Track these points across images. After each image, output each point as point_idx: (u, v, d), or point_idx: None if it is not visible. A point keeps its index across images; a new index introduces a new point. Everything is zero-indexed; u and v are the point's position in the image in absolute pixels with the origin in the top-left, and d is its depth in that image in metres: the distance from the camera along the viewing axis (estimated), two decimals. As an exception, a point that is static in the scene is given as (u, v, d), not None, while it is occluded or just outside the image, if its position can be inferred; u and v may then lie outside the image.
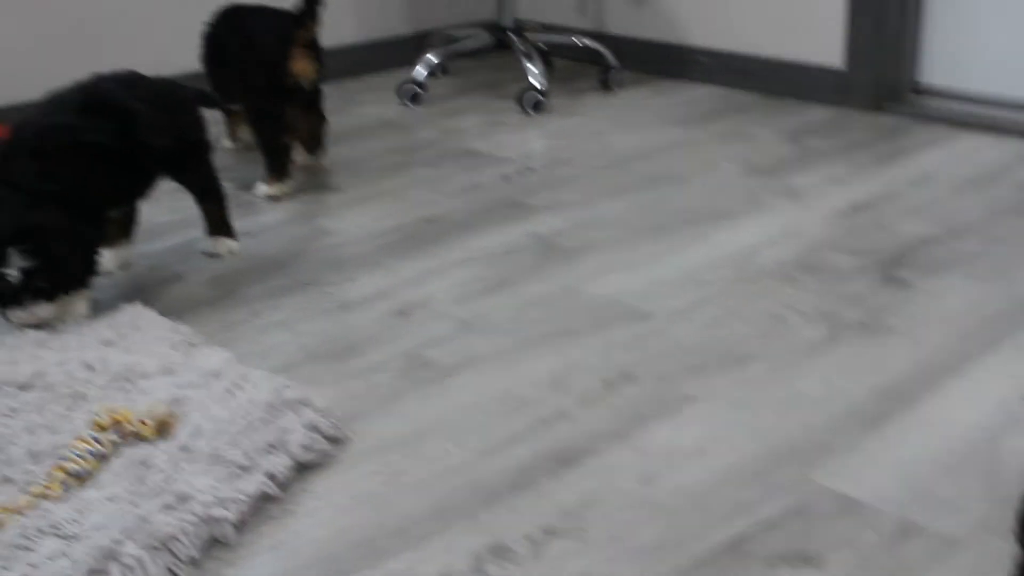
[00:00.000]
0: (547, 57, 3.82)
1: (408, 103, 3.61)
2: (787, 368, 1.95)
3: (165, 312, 2.16)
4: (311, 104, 2.93)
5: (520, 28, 3.78)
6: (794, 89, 3.58)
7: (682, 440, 1.75)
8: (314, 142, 3.01)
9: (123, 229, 2.41)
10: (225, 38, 2.87)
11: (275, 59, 2.75)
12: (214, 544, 1.54)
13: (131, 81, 2.30)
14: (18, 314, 2.07)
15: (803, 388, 1.88)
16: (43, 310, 2.08)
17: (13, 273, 2.02)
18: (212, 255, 2.48)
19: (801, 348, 2.02)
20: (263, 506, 1.61)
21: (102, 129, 2.16)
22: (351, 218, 2.69)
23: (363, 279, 2.35)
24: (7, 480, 1.64)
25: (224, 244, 2.49)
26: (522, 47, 3.66)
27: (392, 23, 4.01)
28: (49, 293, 2.08)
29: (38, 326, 2.08)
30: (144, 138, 2.22)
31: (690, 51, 3.83)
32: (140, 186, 2.31)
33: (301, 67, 2.78)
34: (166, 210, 2.72)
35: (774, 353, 2.00)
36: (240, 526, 1.57)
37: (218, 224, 2.49)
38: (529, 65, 3.58)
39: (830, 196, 2.74)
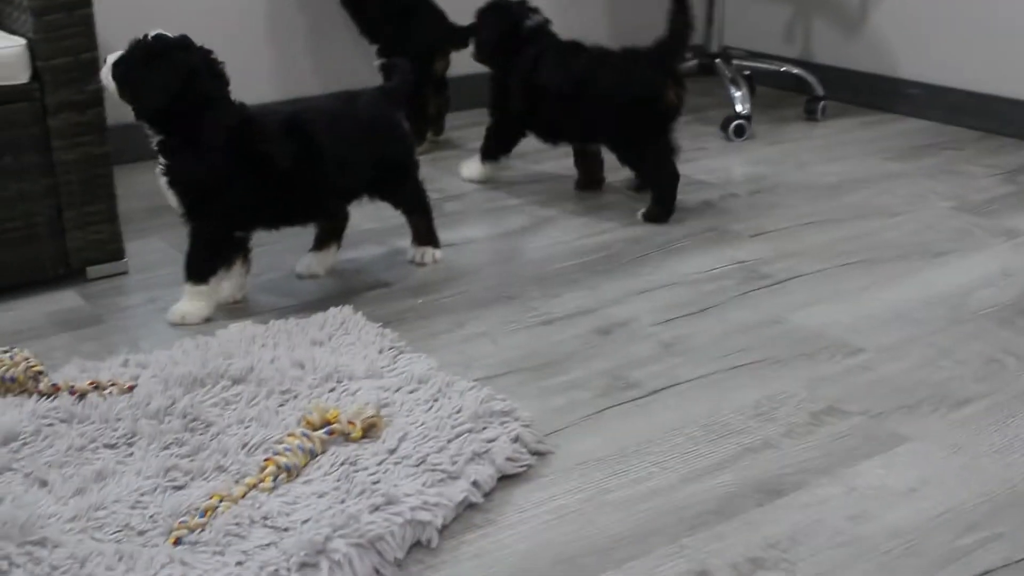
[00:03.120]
0: (752, 84, 3.77)
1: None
2: (1006, 413, 1.87)
3: (371, 317, 2.20)
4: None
5: (726, 54, 3.74)
6: (1011, 127, 3.45)
7: (894, 481, 1.68)
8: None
9: (332, 234, 2.47)
10: None
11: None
12: (418, 547, 1.55)
13: (337, 112, 2.34)
14: None
15: (1023, 434, 1.80)
16: None
17: None
18: (418, 264, 2.52)
19: (1020, 394, 1.93)
20: (466, 514, 1.62)
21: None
22: (553, 234, 2.69)
23: (565, 296, 2.35)
24: (221, 468, 1.69)
25: (429, 253, 2.53)
26: (727, 73, 3.62)
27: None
28: None
29: None
30: (327, 172, 2.28)
31: (900, 83, 3.73)
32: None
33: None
34: (372, 218, 2.77)
35: (991, 397, 1.92)
36: (444, 532, 1.57)
37: (424, 235, 2.53)
38: (734, 91, 3.54)
39: (1050, 238, 2.63)
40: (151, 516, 1.58)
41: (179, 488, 1.65)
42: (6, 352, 1.95)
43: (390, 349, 2.05)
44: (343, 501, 1.59)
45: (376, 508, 1.56)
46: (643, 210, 2.79)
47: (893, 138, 3.49)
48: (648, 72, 2.73)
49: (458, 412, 1.79)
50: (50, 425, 1.82)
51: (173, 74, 2.16)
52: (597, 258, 2.55)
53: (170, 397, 1.86)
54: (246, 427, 1.80)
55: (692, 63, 3.75)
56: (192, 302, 2.26)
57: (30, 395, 1.91)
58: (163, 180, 2.23)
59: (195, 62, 2.18)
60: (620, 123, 2.75)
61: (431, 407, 1.83)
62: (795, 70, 3.80)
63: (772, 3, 4.12)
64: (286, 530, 1.54)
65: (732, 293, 2.35)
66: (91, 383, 1.92)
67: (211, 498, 1.60)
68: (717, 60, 3.70)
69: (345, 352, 2.03)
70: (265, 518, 1.56)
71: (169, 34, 2.19)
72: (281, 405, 1.86)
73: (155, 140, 2.22)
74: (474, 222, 2.79)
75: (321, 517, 1.55)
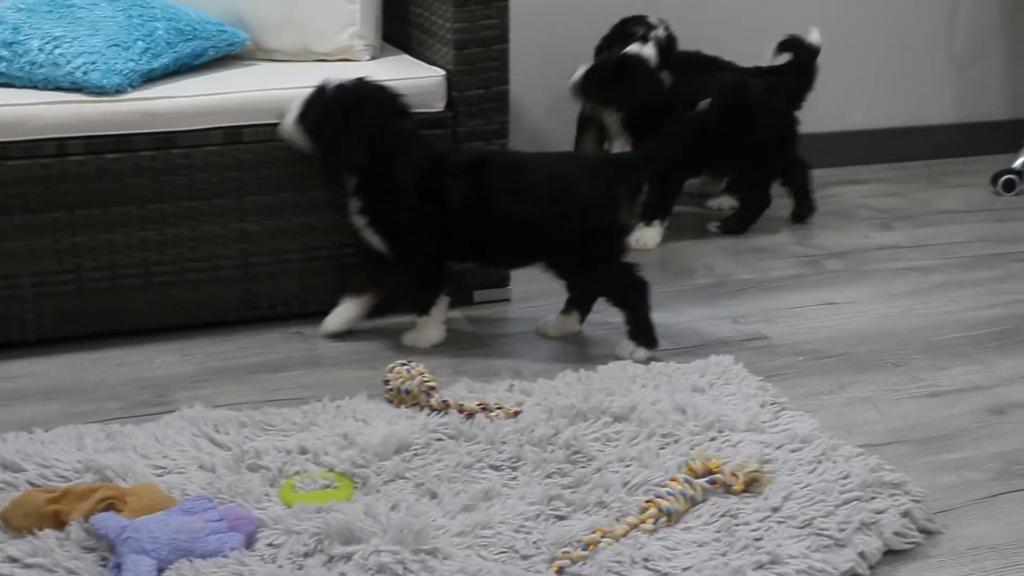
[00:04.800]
0: None
1: (1002, 191, 3.43)
2: None
3: (749, 369, 2.16)
4: None
5: None
6: None
7: None
8: None
9: (577, 304, 2.38)
10: None
11: None
12: (798, 613, 1.51)
13: (529, 165, 2.31)
14: None
15: None
16: None
17: None
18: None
19: None
20: (850, 585, 1.57)
21: None
22: (940, 303, 2.58)
23: (955, 368, 2.24)
24: (602, 504, 1.72)
25: (634, 351, 2.26)
26: None
27: (992, 106, 3.83)
28: None
29: None
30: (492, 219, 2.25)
31: None
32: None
33: None
34: (751, 269, 2.75)
35: None
36: (827, 600, 1.53)
37: (633, 329, 2.28)
38: None
39: None
40: (535, 542, 1.62)
41: (561, 518, 1.69)
42: (404, 365, 2.06)
43: (772, 404, 2.02)
44: (724, 554, 1.58)
45: (760, 566, 1.54)
46: (719, 223, 3.04)
47: None
48: (784, 110, 3.00)
49: (846, 478, 1.74)
50: (439, 440, 1.90)
51: (369, 130, 2.21)
52: (990, 332, 2.42)
53: (553, 427, 1.90)
54: (627, 466, 1.81)
55: None
56: (420, 331, 2.34)
57: (421, 408, 2.00)
58: (361, 221, 2.29)
59: (384, 111, 2.24)
60: (751, 153, 2.97)
61: (815, 469, 1.79)
62: None
63: None
64: (666, 575, 1.54)
65: None
66: (479, 404, 2.00)
67: (594, 532, 1.62)
68: None
69: (726, 402, 2.02)
70: (646, 560, 1.57)
71: (348, 82, 2.24)
72: (662, 448, 1.87)
73: (350, 183, 2.28)
74: (857, 282, 2.71)
75: (703, 567, 1.55)
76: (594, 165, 2.34)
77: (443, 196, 2.23)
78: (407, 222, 2.26)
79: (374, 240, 2.30)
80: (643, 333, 2.27)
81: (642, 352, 2.25)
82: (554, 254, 2.27)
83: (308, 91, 2.26)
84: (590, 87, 2.87)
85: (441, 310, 2.34)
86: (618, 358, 2.23)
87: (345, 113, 2.22)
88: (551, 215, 2.21)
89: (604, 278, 2.29)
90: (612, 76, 2.85)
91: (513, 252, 2.31)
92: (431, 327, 2.34)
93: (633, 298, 2.27)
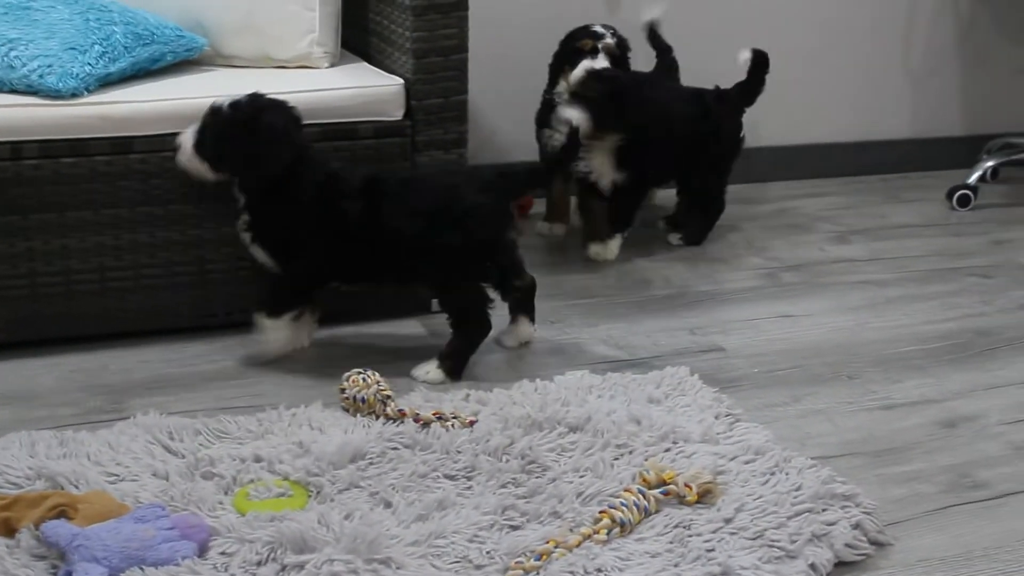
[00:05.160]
0: None
1: (957, 207, 3.47)
2: None
3: (705, 380, 2.18)
4: None
5: None
6: None
7: None
8: None
9: (519, 308, 2.37)
10: None
11: None
12: (749, 624, 1.52)
13: (422, 182, 2.28)
14: None
15: None
16: None
17: None
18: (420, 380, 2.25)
19: None
20: (801, 596, 1.58)
21: None
22: (894, 317, 2.60)
23: (908, 382, 2.26)
24: (556, 514, 1.72)
25: (428, 372, 2.24)
26: None
27: (948, 122, 3.87)
28: None
29: None
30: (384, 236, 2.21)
31: None
32: None
33: None
34: (708, 281, 2.77)
35: None
36: (778, 612, 1.54)
37: (446, 354, 2.25)
38: None
39: None
40: (488, 552, 1.62)
41: (515, 528, 1.69)
42: (360, 374, 2.05)
43: (726, 416, 2.03)
44: (677, 565, 1.59)
45: (711, 577, 1.55)
46: (681, 235, 3.05)
47: None
48: (736, 116, 3.03)
49: (798, 490, 1.76)
50: (395, 449, 1.89)
51: (279, 141, 2.17)
52: (943, 346, 2.44)
53: (509, 436, 1.90)
54: (581, 476, 1.82)
55: None
56: (266, 335, 2.28)
57: (377, 417, 2.00)
58: (246, 236, 2.25)
59: (285, 121, 2.20)
60: (711, 161, 3.01)
61: (768, 480, 1.80)
62: None
63: None
64: (618, 585, 1.55)
65: (1097, 401, 2.21)
66: (435, 413, 1.99)
67: (547, 542, 1.62)
68: None
69: (681, 413, 2.03)
70: (599, 570, 1.58)
71: (242, 98, 2.18)
72: (616, 459, 1.87)
73: (240, 199, 2.25)
74: (813, 295, 2.73)
75: (655, 578, 1.55)
76: (485, 177, 2.28)
77: (339, 214, 2.19)
78: (299, 237, 2.22)
79: (259, 255, 2.26)
80: (455, 365, 2.24)
81: (435, 374, 2.23)
82: (436, 265, 2.22)
83: (200, 118, 2.20)
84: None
85: (290, 322, 2.27)
86: (416, 377, 2.22)
87: (246, 127, 2.16)
88: (437, 224, 2.17)
89: (444, 297, 2.28)
90: (601, 104, 2.68)
91: (400, 265, 2.24)
92: (278, 331, 2.27)
93: (464, 329, 2.24)
